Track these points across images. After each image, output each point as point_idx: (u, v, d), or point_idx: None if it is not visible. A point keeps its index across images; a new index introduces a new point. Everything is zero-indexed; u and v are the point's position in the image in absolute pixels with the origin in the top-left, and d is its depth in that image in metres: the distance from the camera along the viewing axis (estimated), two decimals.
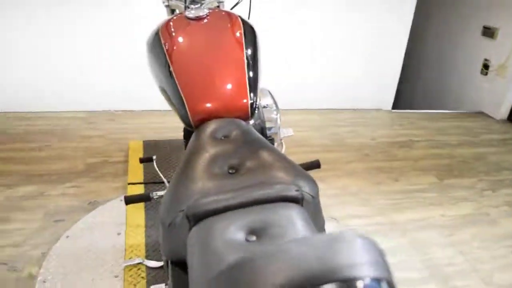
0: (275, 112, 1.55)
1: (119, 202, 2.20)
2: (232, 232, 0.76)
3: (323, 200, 2.39)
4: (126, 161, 2.70)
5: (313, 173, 2.61)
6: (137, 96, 3.16)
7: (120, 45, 3.07)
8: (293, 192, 0.86)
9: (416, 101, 4.85)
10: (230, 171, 0.99)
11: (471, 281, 2.05)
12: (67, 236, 1.96)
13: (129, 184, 2.41)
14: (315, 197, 0.94)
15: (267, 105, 1.56)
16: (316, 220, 0.95)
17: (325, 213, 2.30)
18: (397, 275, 2.03)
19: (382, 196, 2.61)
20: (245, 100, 1.27)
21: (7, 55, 3.07)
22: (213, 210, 0.83)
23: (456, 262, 2.17)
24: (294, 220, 0.79)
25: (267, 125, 1.52)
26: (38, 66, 3.13)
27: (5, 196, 2.33)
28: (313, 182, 0.96)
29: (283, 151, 1.62)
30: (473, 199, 2.69)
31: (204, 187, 0.92)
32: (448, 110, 4.21)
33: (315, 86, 3.70)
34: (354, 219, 2.37)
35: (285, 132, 1.70)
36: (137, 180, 2.45)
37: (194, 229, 0.82)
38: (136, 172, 2.56)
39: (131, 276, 1.73)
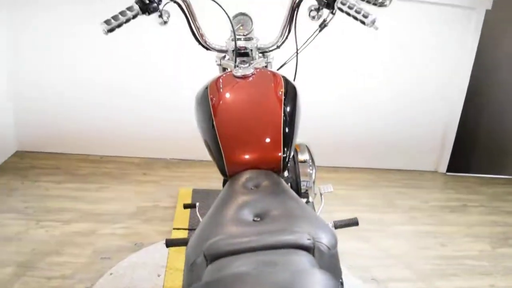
0: (310, 168, 1.60)
1: (162, 245, 2.30)
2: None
3: (365, 260, 2.38)
4: (174, 207, 2.83)
5: (358, 232, 2.60)
6: (190, 146, 3.32)
7: (173, 100, 3.30)
8: (304, 241, 0.90)
9: (475, 163, 4.69)
10: (255, 219, 1.05)
11: None
12: (111, 274, 2.07)
13: (174, 229, 2.52)
14: (331, 249, 0.97)
15: (304, 160, 1.61)
16: (332, 270, 0.98)
17: (366, 273, 2.28)
18: None
19: (427, 260, 2.52)
20: (278, 154, 1.34)
21: (77, 103, 3.38)
22: (226, 251, 0.89)
23: None
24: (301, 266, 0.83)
25: (302, 179, 1.57)
26: (102, 114, 3.41)
27: (61, 231, 2.50)
28: (331, 234, 1.00)
29: (321, 206, 1.65)
30: None
31: (227, 231, 0.98)
32: (508, 175, 4.03)
33: (367, 145, 3.71)
34: (395, 282, 2.31)
35: (325, 188, 1.74)
36: (182, 226, 2.56)
37: (208, 267, 0.89)
38: (182, 218, 2.67)
39: None
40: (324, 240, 0.95)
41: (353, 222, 1.52)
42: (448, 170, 3.89)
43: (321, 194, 1.69)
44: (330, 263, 0.95)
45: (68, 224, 2.58)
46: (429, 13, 3.39)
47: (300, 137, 1.78)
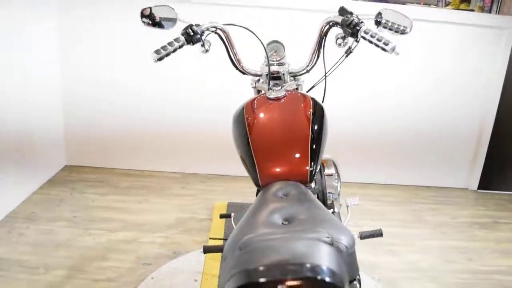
0: (336, 181, 1.74)
1: (199, 254, 2.46)
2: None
3: (392, 274, 2.46)
4: (210, 219, 3.00)
5: (387, 247, 2.68)
6: (226, 162, 3.50)
7: (211, 120, 3.49)
8: (324, 238, 1.04)
9: (507, 180, 4.64)
10: (284, 222, 1.20)
11: None
12: (152, 278, 2.25)
13: (210, 238, 2.69)
14: (349, 248, 1.11)
15: (330, 174, 1.75)
16: (349, 267, 1.11)
17: (393, 286, 2.37)
18: None
19: (453, 275, 2.58)
20: (305, 167, 1.49)
21: (120, 121, 3.63)
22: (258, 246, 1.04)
23: None
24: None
25: (328, 191, 1.71)
26: (143, 131, 3.65)
27: (107, 239, 2.71)
28: (349, 236, 1.13)
29: (348, 217, 1.77)
30: None
31: (260, 231, 1.13)
32: None
33: (400, 162, 3.79)
34: None
35: (351, 201, 1.86)
36: (218, 236, 2.72)
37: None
38: (218, 229, 2.83)
39: None
40: (342, 240, 1.09)
41: (378, 233, 1.65)
42: (480, 187, 3.90)
43: (347, 206, 1.82)
44: (347, 261, 1.09)
45: (112, 233, 2.79)
46: (458, 33, 3.48)
47: (333, 153, 1.92)
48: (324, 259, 0.71)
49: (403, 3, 3.80)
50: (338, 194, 1.75)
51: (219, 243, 2.59)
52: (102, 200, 3.24)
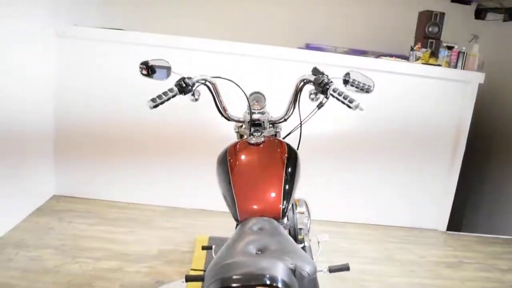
0: (306, 218, 1.95)
1: (181, 284, 2.62)
2: None
3: None
4: (192, 251, 3.16)
5: (358, 282, 2.86)
6: (209, 198, 3.68)
7: (195, 157, 3.70)
8: (288, 264, 1.24)
9: (479, 225, 4.90)
10: (257, 252, 1.41)
11: None
12: None
13: (191, 269, 2.84)
14: (311, 275, 1.31)
15: (301, 212, 1.97)
16: None
17: None
18: None
19: None
20: (279, 206, 1.71)
21: (106, 153, 3.82)
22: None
23: None
24: None
25: (299, 226, 1.92)
26: (128, 165, 3.84)
27: (93, 267, 2.85)
28: (312, 264, 1.34)
29: (319, 252, 1.97)
30: None
31: (236, 259, 1.33)
32: (507, 236, 4.24)
33: (375, 203, 4.02)
34: None
35: (322, 237, 2.07)
36: (200, 267, 2.88)
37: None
38: (200, 260, 3.00)
39: None
40: (305, 267, 1.30)
41: (345, 267, 1.86)
42: (448, 228, 4.14)
43: (318, 242, 2.03)
44: (309, 285, 1.29)
45: (99, 261, 2.93)
46: (426, 86, 3.80)
47: (306, 194, 2.14)
48: (283, 274, 0.90)
49: (378, 57, 4.14)
50: (308, 230, 1.95)
51: (200, 273, 2.75)
52: (89, 230, 3.38)
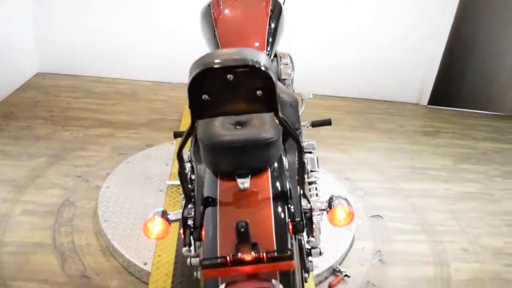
0: (290, 69, 1.99)
1: (170, 145, 2.72)
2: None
3: (341, 166, 2.77)
4: (180, 120, 3.24)
5: (338, 146, 3.00)
6: None
7: (182, 24, 3.62)
8: None
9: (461, 101, 5.00)
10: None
11: (457, 239, 2.37)
12: (127, 162, 2.51)
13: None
14: (292, 104, 1.38)
15: (286, 63, 2.00)
16: (293, 119, 1.38)
17: (341, 174, 2.72)
18: (392, 225, 2.39)
19: (395, 169, 2.96)
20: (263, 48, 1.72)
21: (92, 29, 3.72)
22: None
23: (448, 224, 2.49)
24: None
25: (283, 77, 1.96)
26: (115, 39, 3.76)
27: (84, 134, 2.93)
28: (293, 97, 1.40)
29: (302, 109, 2.04)
30: (481, 181, 2.96)
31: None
32: (488, 111, 4.37)
33: (357, 75, 4.06)
34: (364, 182, 2.75)
35: (306, 95, 2.13)
36: None
37: None
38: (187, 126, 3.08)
39: (172, 192, 2.23)
40: (287, 98, 1.35)
41: (327, 122, 1.94)
42: (430, 103, 4.25)
43: (302, 100, 2.09)
44: (290, 113, 1.36)
45: (89, 129, 3.01)
46: None
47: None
48: (265, 61, 0.91)
49: None
50: (292, 81, 2.00)
51: None
52: (77, 102, 3.42)
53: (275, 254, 0.84)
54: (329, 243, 2.04)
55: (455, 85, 5.05)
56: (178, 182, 2.28)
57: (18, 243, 1.99)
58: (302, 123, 1.76)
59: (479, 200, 2.76)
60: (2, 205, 2.22)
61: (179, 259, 1.78)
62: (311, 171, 1.45)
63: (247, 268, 0.84)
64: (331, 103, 3.96)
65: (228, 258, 0.84)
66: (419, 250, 2.24)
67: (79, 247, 2.00)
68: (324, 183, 1.95)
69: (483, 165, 3.19)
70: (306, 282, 1.26)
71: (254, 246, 0.88)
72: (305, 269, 1.22)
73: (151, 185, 2.30)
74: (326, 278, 1.95)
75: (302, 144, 1.00)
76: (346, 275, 1.95)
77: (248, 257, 0.83)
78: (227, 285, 0.86)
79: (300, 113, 1.97)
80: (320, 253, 1.23)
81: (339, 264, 2.02)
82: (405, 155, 3.17)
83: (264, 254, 0.83)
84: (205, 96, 0.90)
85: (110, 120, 3.15)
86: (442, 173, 3.00)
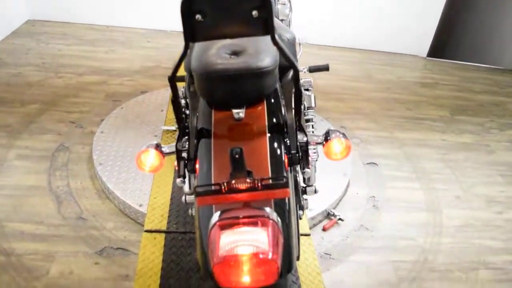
0: (288, 10, 1.92)
1: (165, 91, 2.68)
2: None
3: (338, 115, 2.75)
4: None
5: (336, 96, 2.97)
6: None
7: None
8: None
9: (461, 53, 4.93)
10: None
11: (451, 187, 2.39)
12: (122, 108, 2.48)
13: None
14: (290, 40, 1.33)
15: (283, 3, 1.93)
16: (291, 53, 1.34)
17: (337, 123, 2.69)
18: (386, 173, 2.40)
19: (391, 119, 2.94)
20: None
21: None
22: None
23: (443, 172, 2.50)
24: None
25: (281, 17, 1.89)
26: None
27: (77, 81, 2.88)
28: (292, 33, 1.36)
29: (300, 53, 1.99)
30: (478, 133, 2.96)
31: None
32: (487, 65, 4.32)
33: (357, 26, 3.97)
34: (360, 130, 2.74)
35: (302, 39, 2.07)
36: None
37: None
38: (182, 73, 3.03)
39: (167, 137, 2.21)
40: (286, 35, 1.31)
41: (324, 67, 1.88)
42: (429, 55, 4.19)
43: (299, 44, 2.03)
44: (289, 48, 1.32)
45: (81, 76, 2.95)
46: None
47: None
48: None
49: None
50: (289, 22, 1.94)
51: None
52: (69, 49, 3.34)
53: (270, 181, 0.82)
54: (324, 188, 2.04)
55: (455, 38, 4.97)
56: (173, 128, 2.26)
57: (13, 186, 1.99)
58: (300, 69, 1.72)
59: (474, 150, 2.76)
60: None
61: (175, 201, 1.78)
62: (308, 108, 1.42)
63: (242, 196, 0.83)
64: (330, 53, 3.89)
65: (222, 185, 0.82)
66: (413, 196, 2.26)
67: (74, 190, 2.00)
68: (320, 131, 1.93)
69: (480, 117, 3.18)
70: (300, 219, 1.26)
71: (249, 175, 0.86)
72: (300, 206, 1.22)
73: (145, 130, 2.28)
74: (320, 221, 1.97)
75: (299, 70, 0.96)
76: (340, 219, 1.97)
77: (242, 184, 0.82)
78: (221, 213, 0.85)
79: (299, 55, 1.93)
80: (315, 191, 1.23)
81: (333, 208, 2.03)
82: (402, 106, 3.15)
83: (259, 182, 0.82)
84: (198, 16, 0.86)
85: (103, 68, 3.09)
86: (439, 124, 2.99)
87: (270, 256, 0.78)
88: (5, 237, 1.73)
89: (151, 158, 1.03)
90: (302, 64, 1.84)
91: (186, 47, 0.89)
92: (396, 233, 2.01)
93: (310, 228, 1.90)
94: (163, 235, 1.65)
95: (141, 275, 1.49)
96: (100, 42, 3.50)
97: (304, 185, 1.25)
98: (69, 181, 2.04)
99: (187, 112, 1.22)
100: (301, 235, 1.77)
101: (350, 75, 3.52)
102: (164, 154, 1.05)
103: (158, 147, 1.05)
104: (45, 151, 2.22)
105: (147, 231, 1.66)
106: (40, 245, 1.72)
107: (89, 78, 2.94)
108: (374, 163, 2.45)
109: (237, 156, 0.82)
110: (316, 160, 1.32)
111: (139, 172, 1.99)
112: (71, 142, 2.30)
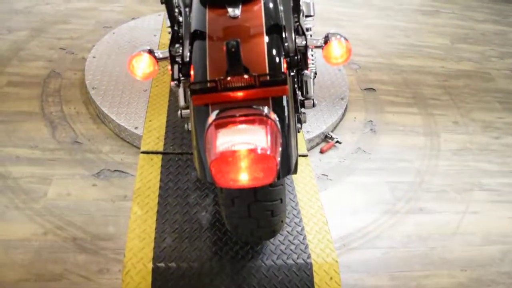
0: None
1: (157, 17, 2.58)
2: None
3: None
4: None
5: (334, 22, 2.87)
6: None
7: None
8: None
9: None
10: None
11: (448, 112, 2.38)
12: (113, 33, 2.40)
13: None
14: None
15: None
16: None
17: None
18: (384, 98, 2.38)
19: (389, 45, 2.87)
20: None
21: None
22: None
23: (441, 98, 2.48)
24: None
25: None
26: None
27: (65, 7, 2.77)
28: None
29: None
30: (478, 61, 2.91)
31: None
32: None
33: None
34: (358, 56, 2.68)
35: None
36: None
37: None
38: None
39: (160, 63, 2.15)
40: None
41: None
42: None
43: None
44: None
45: (70, 2, 2.83)
46: None
47: None
48: None
49: None
50: None
51: None
52: None
53: (268, 77, 0.79)
54: (321, 111, 2.03)
55: None
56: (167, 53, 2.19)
57: (5, 112, 1.95)
58: None
59: (474, 78, 2.72)
60: None
61: (171, 124, 1.76)
62: (306, 16, 1.37)
63: (239, 94, 0.80)
64: None
65: (218, 82, 0.79)
66: (411, 121, 2.25)
67: (68, 115, 1.97)
68: (318, 56, 1.87)
69: (481, 46, 3.11)
70: (298, 132, 1.25)
71: (246, 72, 0.83)
72: (298, 118, 1.20)
73: None
74: (317, 144, 1.97)
75: None
76: (337, 141, 1.97)
77: (239, 81, 0.79)
78: (218, 113, 0.83)
79: None
80: (314, 105, 1.20)
81: (331, 131, 2.02)
82: (400, 32, 3.07)
83: (256, 78, 0.79)
84: None
85: None
86: (439, 51, 2.92)
87: (268, 152, 0.76)
88: (1, 162, 1.72)
89: (143, 62, 1.00)
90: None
91: None
92: (394, 156, 2.01)
93: (308, 150, 1.90)
94: (160, 156, 1.64)
95: (139, 194, 1.49)
96: None
97: (302, 98, 1.23)
98: (62, 107, 2.01)
99: (180, 19, 1.17)
100: (299, 155, 1.77)
101: (349, 1, 3.40)
102: (157, 59, 1.01)
103: (151, 51, 1.01)
104: (36, 78, 2.16)
105: (143, 152, 1.65)
106: (36, 169, 1.72)
107: (78, 4, 2.82)
108: (373, 89, 2.42)
109: (233, 49, 0.78)
110: (314, 71, 1.29)
111: (133, 96, 1.96)
112: (63, 68, 2.24)
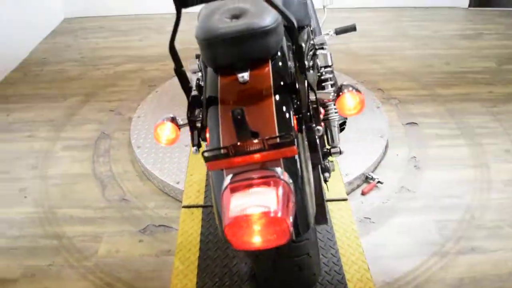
0: None
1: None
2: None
3: (375, 77, 2.68)
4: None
5: (371, 57, 2.87)
6: None
7: None
8: None
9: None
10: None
11: (498, 140, 2.27)
12: (156, 91, 2.54)
13: None
14: (301, 0, 1.30)
15: None
16: (302, 16, 1.31)
17: (374, 86, 2.63)
18: (428, 132, 2.31)
19: (429, 75, 2.82)
20: None
21: None
22: None
23: (490, 126, 2.38)
24: None
25: None
26: None
27: (114, 71, 2.98)
28: None
29: (324, 17, 1.93)
30: None
31: None
32: None
33: None
34: (397, 90, 2.65)
35: (326, 2, 2.00)
36: None
37: None
38: None
39: None
40: None
41: (351, 28, 1.82)
42: (470, 5, 3.95)
43: (324, 7, 1.97)
44: (296, 9, 1.28)
45: (118, 66, 3.04)
46: None
47: None
48: None
49: None
50: None
51: None
52: (105, 42, 3.44)
53: (277, 140, 0.82)
54: (361, 151, 2.01)
55: None
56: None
57: (61, 175, 2.10)
58: (324, 32, 1.67)
59: None
60: (44, 143, 2.32)
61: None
62: (323, 67, 1.39)
63: (250, 157, 0.83)
64: (360, 15, 3.77)
65: (229, 148, 0.83)
66: (457, 153, 2.17)
67: (117, 174, 2.08)
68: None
69: None
70: (326, 181, 1.25)
71: (255, 136, 0.86)
72: (323, 168, 1.21)
73: (179, 111, 2.31)
74: (358, 186, 1.94)
75: (294, 22, 0.93)
76: (379, 182, 1.93)
77: (249, 145, 0.82)
78: (232, 176, 0.86)
79: (321, 22, 1.87)
80: (340, 152, 1.21)
81: (372, 172, 1.99)
82: (440, 61, 3.00)
83: (265, 141, 0.81)
84: None
85: (138, 55, 3.17)
86: (484, 76, 2.83)
87: (279, 214, 0.78)
88: (56, 222, 1.84)
89: (166, 130, 1.05)
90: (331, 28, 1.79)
91: (178, 13, 0.89)
92: (440, 192, 1.94)
93: (348, 194, 1.87)
94: (200, 209, 1.69)
95: (181, 249, 1.53)
96: (134, 31, 3.58)
97: (329, 147, 1.24)
98: (111, 166, 2.13)
99: (202, 83, 1.23)
100: (337, 200, 1.76)
101: (383, 35, 3.40)
102: (179, 126, 1.07)
103: (173, 119, 1.07)
104: (88, 140, 2.32)
105: (185, 206, 1.71)
106: (88, 227, 1.82)
107: (126, 67, 3.02)
108: (414, 123, 2.37)
109: (238, 116, 0.82)
110: (338, 120, 1.30)
111: (175, 152, 2.04)
112: (111, 129, 2.39)
